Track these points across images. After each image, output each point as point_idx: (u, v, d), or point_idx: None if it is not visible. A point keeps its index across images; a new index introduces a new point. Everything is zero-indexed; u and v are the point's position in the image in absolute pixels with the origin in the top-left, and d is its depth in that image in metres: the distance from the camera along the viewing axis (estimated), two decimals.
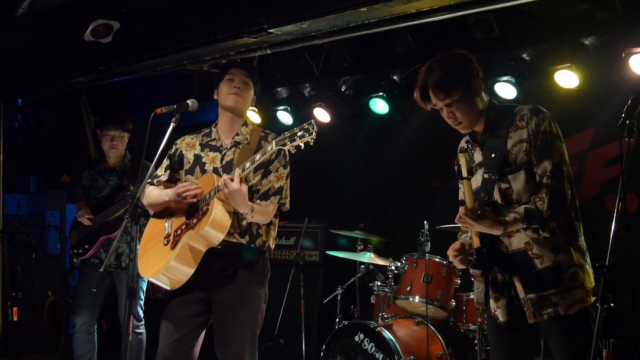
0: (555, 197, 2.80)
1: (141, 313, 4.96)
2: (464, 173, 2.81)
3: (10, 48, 5.30)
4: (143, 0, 4.55)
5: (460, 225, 2.98)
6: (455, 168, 3.10)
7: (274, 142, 3.20)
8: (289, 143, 3.14)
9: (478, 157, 3.03)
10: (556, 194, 2.80)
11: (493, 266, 2.98)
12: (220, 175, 3.44)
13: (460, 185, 3.15)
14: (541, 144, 2.85)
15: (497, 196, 2.94)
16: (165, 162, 3.70)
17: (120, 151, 5.03)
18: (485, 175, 2.95)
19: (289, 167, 3.58)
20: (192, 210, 3.48)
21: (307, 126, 3.13)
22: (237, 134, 3.59)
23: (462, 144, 3.10)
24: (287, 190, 3.57)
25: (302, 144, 3.15)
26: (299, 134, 3.12)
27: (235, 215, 3.44)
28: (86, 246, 4.93)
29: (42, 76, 5.33)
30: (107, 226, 4.90)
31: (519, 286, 2.92)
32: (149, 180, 3.63)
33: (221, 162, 3.55)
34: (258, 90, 3.72)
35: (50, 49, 5.20)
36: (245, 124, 3.64)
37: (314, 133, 3.10)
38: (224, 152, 3.57)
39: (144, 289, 5.02)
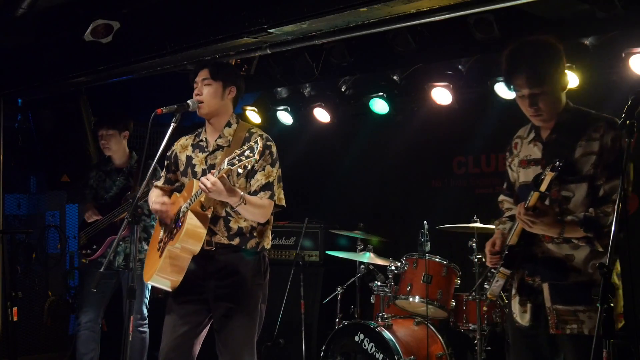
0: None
1: (145, 312, 4.97)
2: (543, 188, 2.70)
3: (10, 48, 5.30)
4: (143, 0, 4.55)
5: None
6: (508, 164, 3.04)
7: (226, 160, 3.16)
8: (237, 163, 3.11)
9: (536, 153, 2.94)
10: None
11: (523, 268, 2.92)
12: None
13: (510, 168, 3.09)
14: (616, 160, 2.72)
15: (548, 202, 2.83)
16: (165, 163, 3.73)
17: (114, 150, 5.01)
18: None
19: (277, 164, 3.54)
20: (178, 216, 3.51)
21: (253, 144, 3.10)
22: (220, 136, 3.57)
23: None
24: (278, 186, 3.52)
25: (248, 165, 3.14)
26: (245, 153, 3.11)
27: (223, 219, 3.45)
28: (94, 246, 4.96)
29: (42, 76, 5.32)
30: (114, 227, 4.91)
31: (546, 294, 2.84)
32: (153, 181, 3.66)
33: (206, 163, 3.56)
34: (235, 81, 3.61)
35: (50, 49, 5.20)
36: (229, 123, 3.59)
37: (256, 154, 3.08)
38: (207, 154, 3.57)
39: (149, 288, 5.02)
